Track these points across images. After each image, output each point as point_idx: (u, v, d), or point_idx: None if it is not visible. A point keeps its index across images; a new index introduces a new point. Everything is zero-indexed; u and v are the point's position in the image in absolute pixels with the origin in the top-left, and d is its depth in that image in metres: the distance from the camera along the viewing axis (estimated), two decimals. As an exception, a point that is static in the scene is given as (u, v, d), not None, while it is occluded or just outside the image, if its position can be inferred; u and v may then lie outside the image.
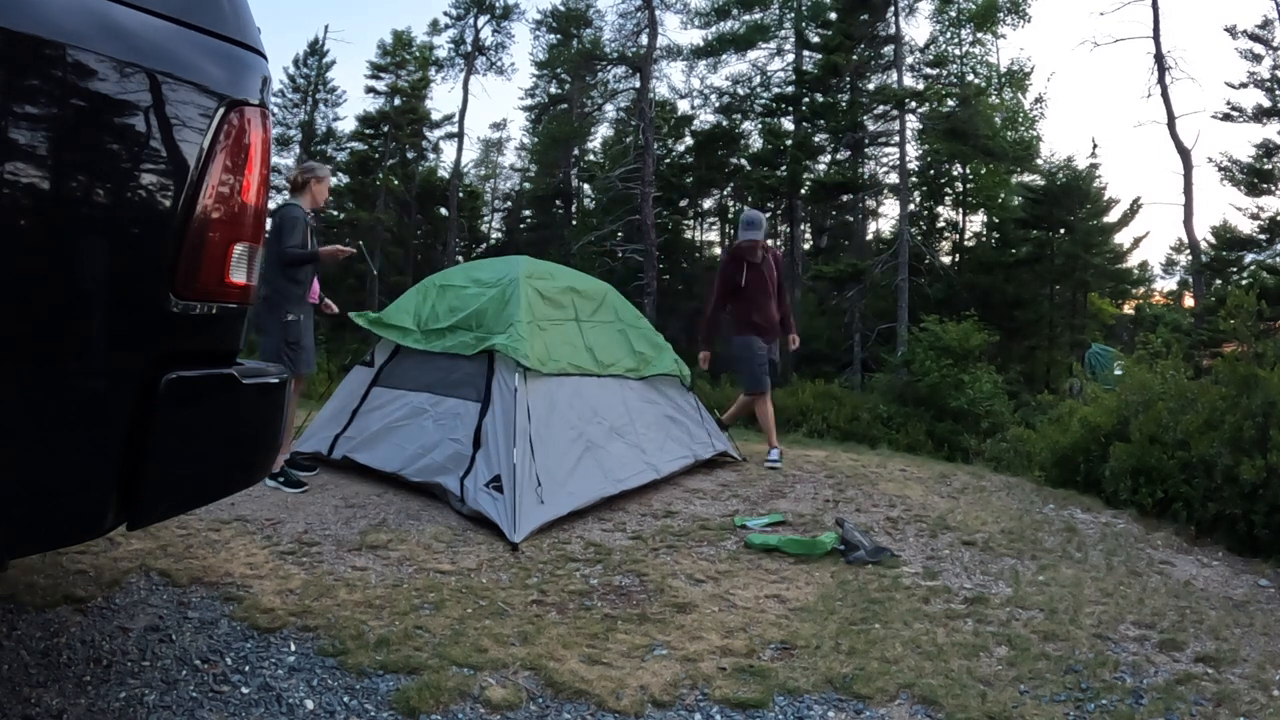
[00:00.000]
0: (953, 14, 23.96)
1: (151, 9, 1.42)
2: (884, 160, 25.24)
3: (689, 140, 28.75)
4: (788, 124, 25.54)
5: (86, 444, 1.37)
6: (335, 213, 28.60)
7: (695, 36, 47.04)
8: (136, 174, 1.41)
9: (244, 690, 1.99)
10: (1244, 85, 18.78)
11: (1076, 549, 3.75)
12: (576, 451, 3.89)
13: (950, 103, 21.97)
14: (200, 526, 3.26)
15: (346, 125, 35.66)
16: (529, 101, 32.92)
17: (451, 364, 4.12)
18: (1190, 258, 21.47)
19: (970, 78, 23.87)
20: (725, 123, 27.39)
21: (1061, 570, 3.38)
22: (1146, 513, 4.48)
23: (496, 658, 2.26)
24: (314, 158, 28.72)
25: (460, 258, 28.42)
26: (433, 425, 4.03)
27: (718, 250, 33.62)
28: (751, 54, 26.08)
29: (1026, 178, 23.58)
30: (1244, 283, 16.28)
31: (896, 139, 21.49)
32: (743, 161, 27.30)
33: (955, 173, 25.06)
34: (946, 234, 26.49)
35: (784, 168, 23.98)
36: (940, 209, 26.42)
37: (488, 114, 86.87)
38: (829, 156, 24.64)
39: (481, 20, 29.04)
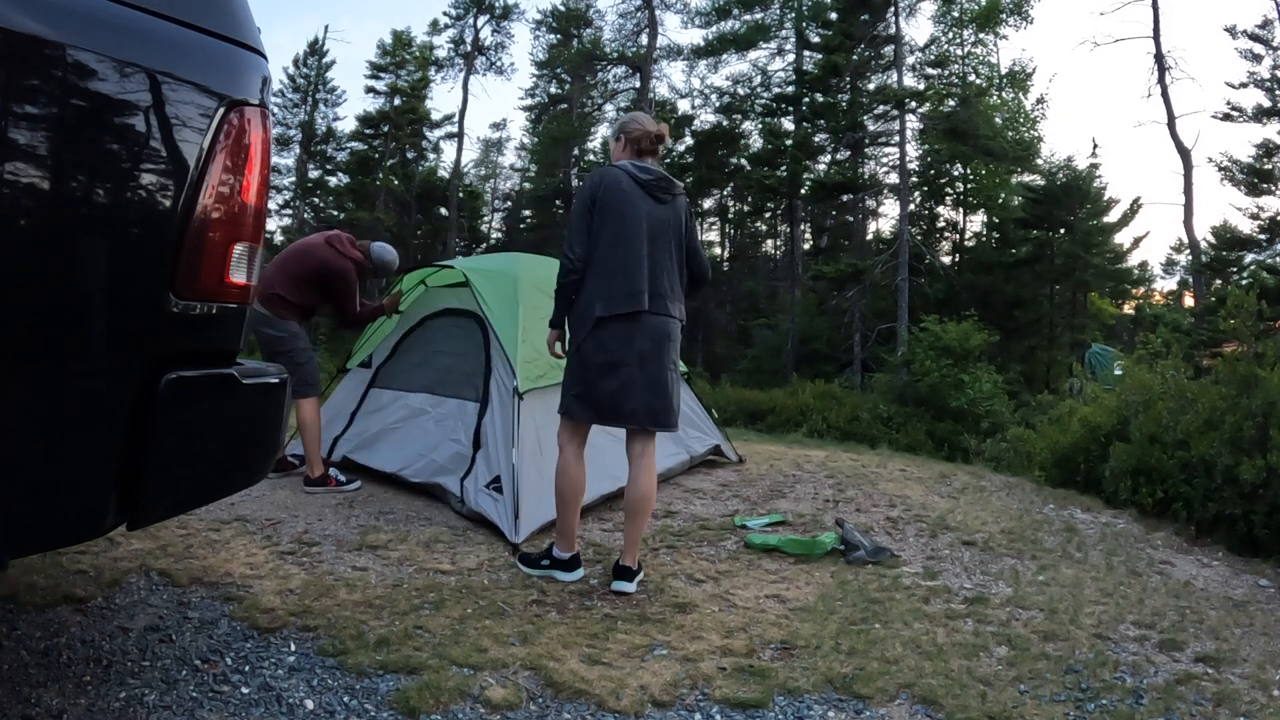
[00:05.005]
0: (954, 14, 23.97)
1: (151, 9, 1.42)
2: (884, 160, 25.30)
3: (689, 140, 28.78)
4: (788, 124, 25.58)
5: (86, 444, 1.37)
6: (336, 213, 28.63)
7: (695, 36, 47.17)
8: (136, 174, 1.41)
9: (244, 690, 1.99)
10: (1244, 85, 18.82)
11: (1076, 549, 3.75)
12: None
13: (951, 103, 21.99)
14: (200, 526, 3.26)
15: (346, 125, 35.78)
16: (529, 101, 32.97)
17: (450, 364, 4.12)
18: (1190, 258, 21.48)
19: (971, 78, 23.89)
20: (725, 123, 27.43)
21: (1061, 570, 3.38)
22: (1146, 513, 4.48)
23: (496, 658, 2.26)
24: (314, 158, 28.76)
25: (459, 257, 28.42)
26: (433, 426, 4.03)
27: (718, 250, 33.66)
28: (751, 54, 26.18)
29: (1026, 178, 23.59)
30: (1244, 283, 16.27)
31: (896, 139, 21.50)
32: (743, 161, 27.33)
33: (955, 173, 25.06)
34: (946, 234, 26.50)
35: (784, 168, 24.01)
36: (940, 209, 26.44)
37: (488, 114, 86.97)
38: (829, 156, 24.67)
39: (481, 20, 29.11)
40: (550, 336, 3.01)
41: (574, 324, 2.88)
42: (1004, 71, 24.36)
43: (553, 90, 31.94)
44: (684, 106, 29.37)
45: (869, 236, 27.72)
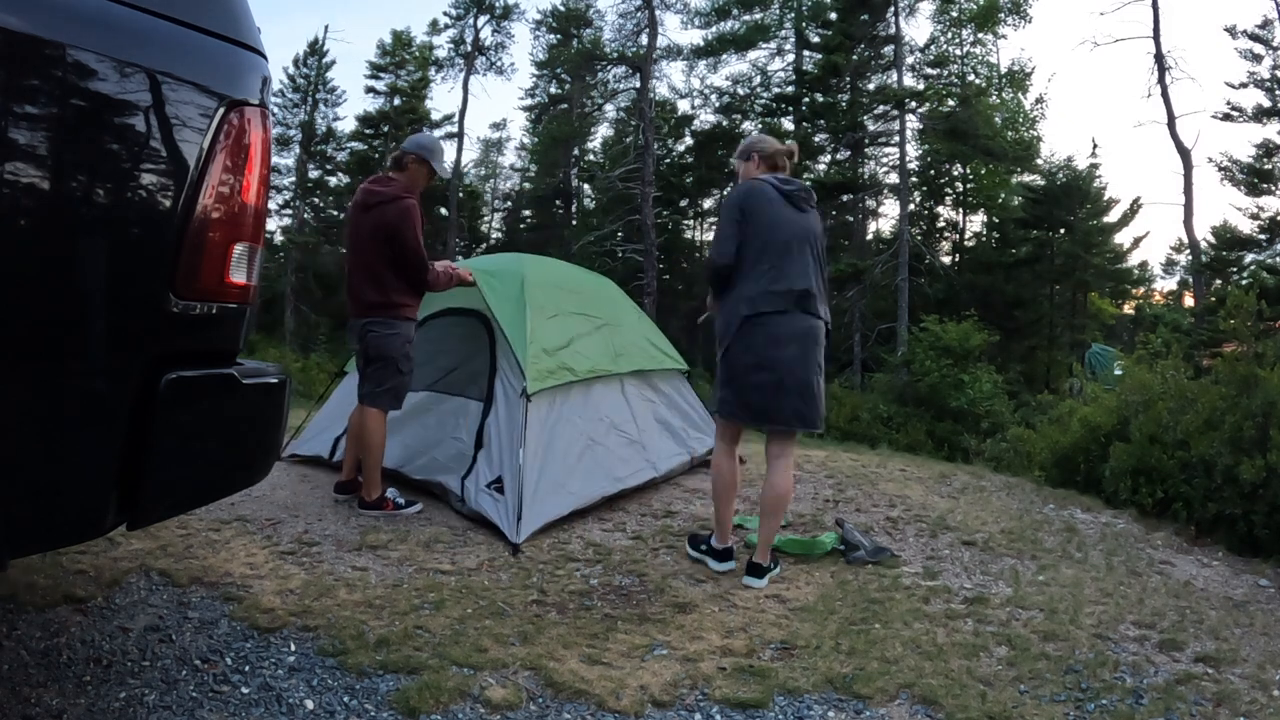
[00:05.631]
0: (953, 14, 23.98)
1: (152, 9, 1.42)
2: (884, 160, 25.28)
3: (689, 140, 28.77)
4: (788, 124, 25.55)
5: (87, 444, 1.37)
6: (336, 213, 28.61)
7: (695, 36, 47.13)
8: (136, 174, 1.41)
9: (244, 690, 1.99)
10: (1244, 85, 18.82)
11: (1076, 549, 3.75)
12: (578, 450, 3.88)
13: (950, 103, 22.00)
14: (200, 526, 3.26)
15: (346, 125, 35.66)
16: (529, 101, 32.97)
17: (453, 362, 4.12)
18: (1190, 258, 21.48)
19: (970, 78, 23.90)
20: (725, 123, 27.41)
21: (1061, 570, 3.38)
22: (1146, 513, 4.48)
23: (496, 658, 2.26)
24: (315, 158, 28.74)
25: (460, 257, 28.41)
26: (435, 423, 4.03)
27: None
28: (751, 54, 26.15)
29: (1026, 178, 23.60)
30: (1244, 283, 16.27)
31: (896, 139, 21.51)
32: (743, 161, 27.26)
33: (955, 173, 25.08)
34: (946, 234, 26.52)
35: (784, 168, 23.95)
36: (940, 209, 26.46)
37: (488, 114, 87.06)
38: (829, 156, 24.66)
39: (481, 20, 29.08)
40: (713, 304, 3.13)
41: (720, 326, 2.99)
42: (1003, 71, 24.38)
43: (553, 90, 31.93)
44: (684, 106, 29.39)
45: (869, 236, 27.71)
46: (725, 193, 30.14)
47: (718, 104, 27.78)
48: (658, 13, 24.34)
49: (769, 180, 3.03)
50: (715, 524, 3.23)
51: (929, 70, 23.91)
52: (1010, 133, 23.13)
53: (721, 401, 3.01)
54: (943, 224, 26.64)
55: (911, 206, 22.36)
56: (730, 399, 2.98)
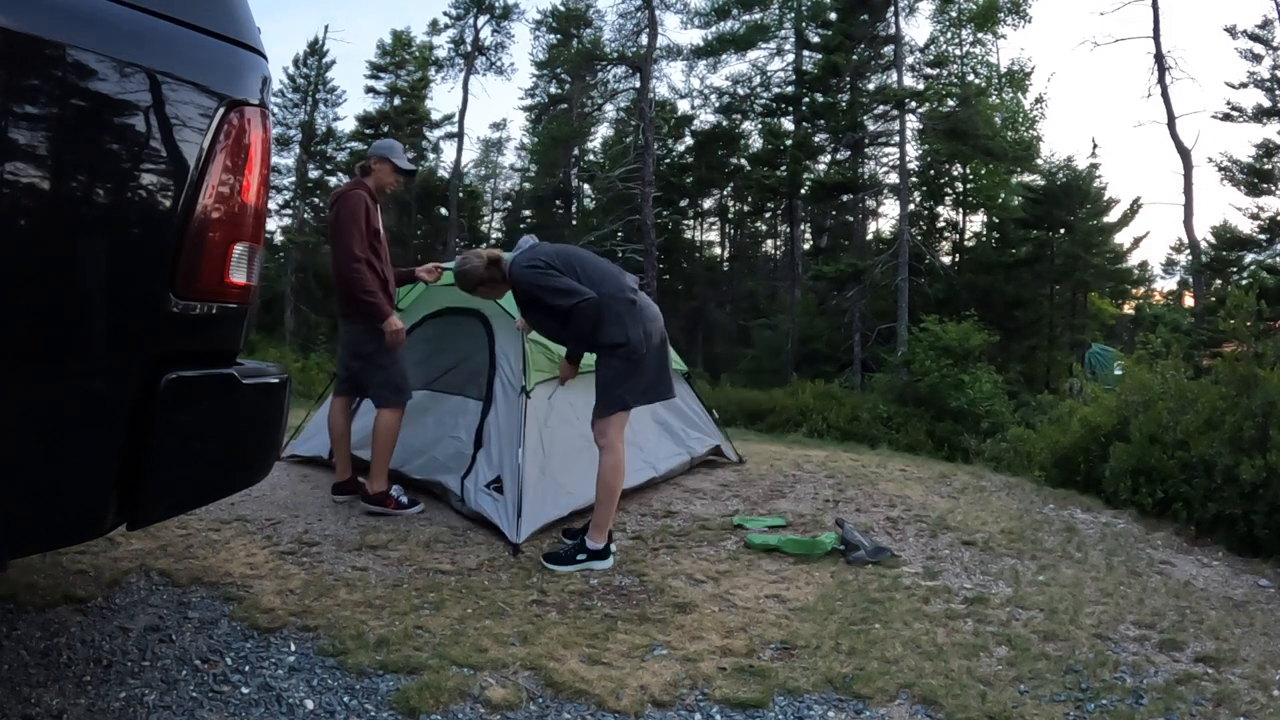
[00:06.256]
0: (953, 14, 23.98)
1: (152, 9, 1.42)
2: (884, 160, 25.28)
3: (689, 140, 28.78)
4: (788, 124, 25.57)
5: (87, 444, 1.37)
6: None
7: (695, 36, 47.18)
8: (136, 174, 1.41)
9: (244, 690, 1.99)
10: (1244, 85, 18.80)
11: (1076, 549, 3.75)
12: (576, 450, 3.87)
13: (950, 103, 21.98)
14: (200, 526, 3.26)
15: (346, 125, 35.63)
16: (529, 101, 32.97)
17: (452, 362, 4.12)
18: (1190, 258, 21.48)
19: (970, 78, 23.89)
20: (725, 123, 27.42)
21: (1061, 570, 3.38)
22: (1146, 513, 4.48)
23: (496, 658, 2.26)
24: (315, 158, 28.73)
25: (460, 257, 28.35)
26: (434, 423, 4.03)
27: (718, 250, 33.65)
28: (751, 54, 26.16)
29: (1026, 178, 23.58)
30: (1244, 283, 16.26)
31: (896, 139, 21.50)
32: (743, 161, 27.33)
33: (955, 173, 25.06)
34: (946, 234, 26.50)
35: (784, 168, 24.01)
36: (940, 209, 26.43)
37: (488, 114, 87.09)
38: (829, 156, 24.66)
39: (481, 20, 29.07)
40: (570, 370, 3.51)
41: (616, 332, 3.09)
42: (1003, 71, 24.38)
43: (553, 90, 31.92)
44: (684, 106, 29.40)
45: (869, 236, 27.70)
46: (725, 193, 30.23)
47: (718, 104, 27.81)
48: (658, 13, 24.34)
49: (523, 255, 3.24)
50: (602, 523, 3.13)
51: (929, 70, 23.90)
52: (1010, 133, 23.12)
53: (627, 394, 3.14)
54: (943, 224, 26.63)
55: (911, 206, 22.34)
56: (634, 388, 3.15)
